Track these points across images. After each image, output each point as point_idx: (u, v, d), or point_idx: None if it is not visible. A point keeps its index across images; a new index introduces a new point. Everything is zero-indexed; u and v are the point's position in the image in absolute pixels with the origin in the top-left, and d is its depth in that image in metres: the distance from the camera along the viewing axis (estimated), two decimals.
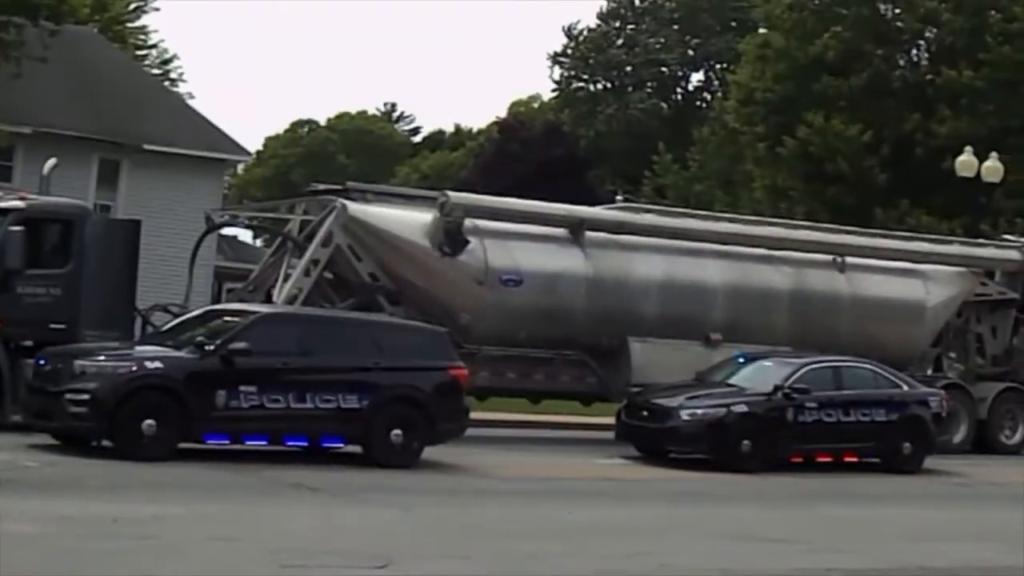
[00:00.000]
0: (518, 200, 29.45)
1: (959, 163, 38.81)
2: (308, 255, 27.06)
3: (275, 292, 27.07)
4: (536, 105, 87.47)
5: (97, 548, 13.98)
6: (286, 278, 27.10)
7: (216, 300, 39.46)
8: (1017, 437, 31.89)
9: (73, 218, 24.33)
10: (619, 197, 52.33)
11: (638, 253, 29.20)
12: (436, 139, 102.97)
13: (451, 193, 28.50)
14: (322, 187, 29.64)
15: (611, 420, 28.17)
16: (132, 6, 60.09)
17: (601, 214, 30.35)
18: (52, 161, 27.06)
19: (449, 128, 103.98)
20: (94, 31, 46.36)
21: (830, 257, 31.01)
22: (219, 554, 14.24)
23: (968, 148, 39.04)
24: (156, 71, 58.05)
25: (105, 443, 21.01)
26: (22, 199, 24.13)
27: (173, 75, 62.20)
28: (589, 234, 28.84)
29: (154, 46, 62.18)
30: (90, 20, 45.88)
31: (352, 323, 23.61)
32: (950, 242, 33.90)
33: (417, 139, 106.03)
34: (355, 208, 27.50)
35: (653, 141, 71.28)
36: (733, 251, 30.12)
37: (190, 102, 52.55)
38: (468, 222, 27.63)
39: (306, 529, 16.12)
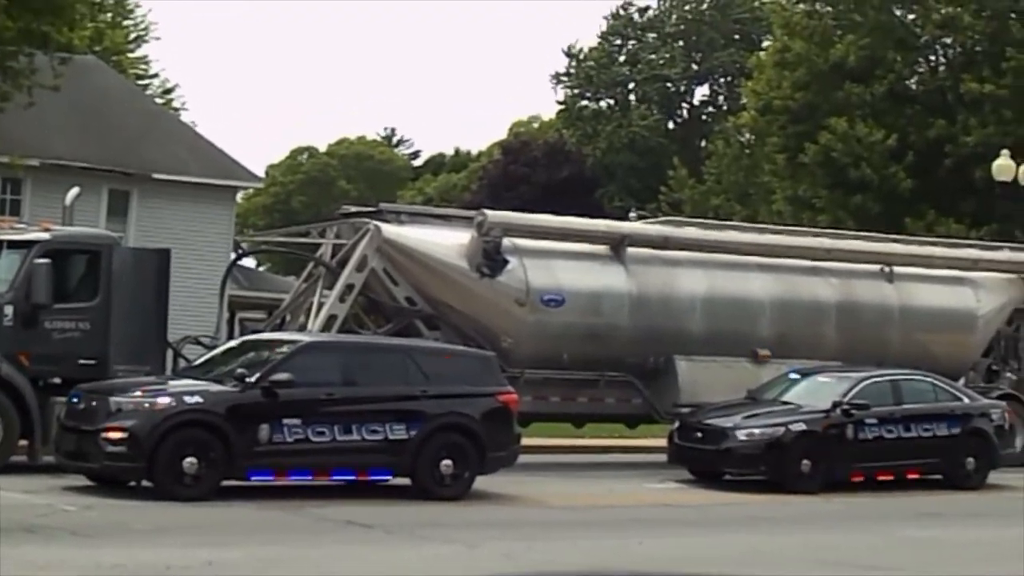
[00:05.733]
0: (558, 217, 28.62)
1: (996, 167, 37.94)
2: (342, 280, 26.04)
3: (309, 321, 26.01)
4: (536, 126, 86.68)
5: None
6: (320, 306, 26.07)
7: (231, 330, 38.43)
8: None
9: (100, 248, 23.26)
10: (632, 214, 51.26)
11: (681, 268, 28.32)
12: (437, 162, 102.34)
13: (489, 211, 27.61)
14: (353, 209, 28.57)
15: (651, 442, 27.38)
16: (131, 36, 59.29)
17: (645, 229, 29.54)
18: (75, 190, 26.01)
19: (449, 151, 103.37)
20: (97, 60, 45.33)
21: (877, 267, 30.08)
22: None
23: (1005, 151, 38.13)
24: (159, 100, 57.04)
25: (144, 483, 20.06)
26: (47, 230, 23.09)
27: (176, 104, 61.53)
28: (630, 250, 27.90)
29: (155, 75, 61.52)
30: (88, 51, 44.84)
31: (396, 349, 22.56)
32: (999, 248, 32.98)
33: (417, 163, 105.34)
34: (389, 230, 26.52)
35: (659, 157, 70.66)
36: (778, 263, 29.20)
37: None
38: (507, 241, 26.69)
39: (374, 573, 15.35)
